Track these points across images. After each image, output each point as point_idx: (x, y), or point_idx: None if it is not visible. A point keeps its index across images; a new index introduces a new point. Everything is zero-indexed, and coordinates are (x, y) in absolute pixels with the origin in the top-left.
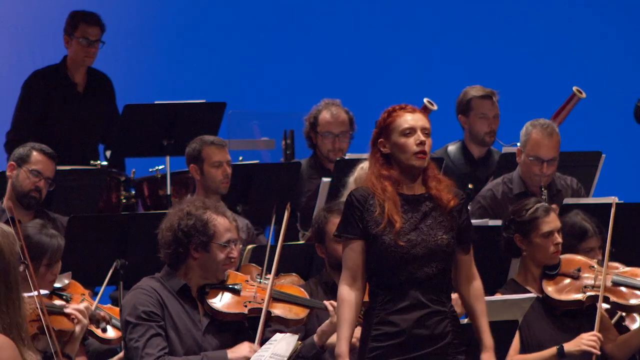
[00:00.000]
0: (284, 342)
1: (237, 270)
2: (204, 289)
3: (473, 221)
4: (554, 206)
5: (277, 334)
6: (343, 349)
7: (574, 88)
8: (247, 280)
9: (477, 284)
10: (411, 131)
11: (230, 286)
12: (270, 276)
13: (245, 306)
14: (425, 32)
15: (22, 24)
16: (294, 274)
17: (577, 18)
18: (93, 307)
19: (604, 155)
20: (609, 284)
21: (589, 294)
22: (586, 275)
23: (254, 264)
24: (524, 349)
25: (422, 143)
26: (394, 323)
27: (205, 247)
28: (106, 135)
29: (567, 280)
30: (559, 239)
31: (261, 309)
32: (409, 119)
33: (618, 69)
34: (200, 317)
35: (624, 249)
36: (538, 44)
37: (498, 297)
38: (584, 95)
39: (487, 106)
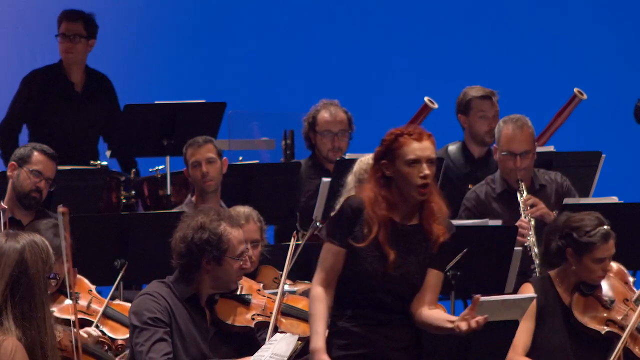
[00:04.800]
0: (284, 342)
1: (256, 271)
2: (214, 297)
3: (470, 221)
4: (531, 200)
5: (277, 334)
6: (319, 344)
7: (575, 89)
8: (259, 290)
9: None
10: (416, 162)
11: (240, 296)
12: (277, 296)
13: (253, 319)
14: (425, 32)
15: (22, 25)
16: (307, 282)
17: (577, 18)
18: (103, 306)
19: (604, 155)
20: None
21: (609, 329)
22: (617, 311)
23: (272, 267)
24: (533, 350)
25: (425, 177)
26: (358, 334)
27: (218, 260)
28: (109, 135)
29: (597, 306)
30: (609, 266)
31: (268, 322)
32: (416, 148)
33: (618, 69)
34: (208, 326)
35: (624, 249)
36: (538, 44)
37: (498, 297)
38: (585, 96)
39: (486, 106)
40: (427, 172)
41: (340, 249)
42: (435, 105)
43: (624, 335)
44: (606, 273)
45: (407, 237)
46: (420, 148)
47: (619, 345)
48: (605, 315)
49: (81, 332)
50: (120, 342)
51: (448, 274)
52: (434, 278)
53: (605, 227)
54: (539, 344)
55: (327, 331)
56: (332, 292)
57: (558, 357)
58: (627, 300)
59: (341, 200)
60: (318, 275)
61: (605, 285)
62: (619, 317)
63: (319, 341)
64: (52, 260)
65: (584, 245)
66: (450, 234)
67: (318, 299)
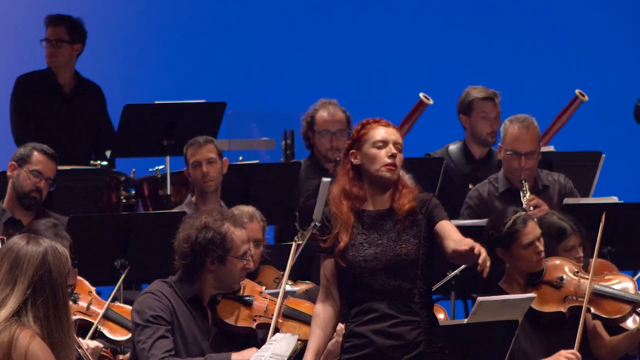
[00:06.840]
0: (284, 342)
1: (257, 271)
2: (216, 298)
3: (467, 222)
4: (535, 201)
5: (277, 334)
6: (307, 358)
7: (577, 91)
8: (261, 292)
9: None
10: (383, 144)
11: (242, 297)
12: (279, 298)
13: (254, 320)
14: (425, 32)
15: (22, 25)
16: (308, 281)
17: (577, 18)
18: (104, 308)
19: (604, 155)
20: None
21: (570, 305)
22: (568, 285)
23: (273, 267)
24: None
25: (393, 156)
26: (361, 335)
27: (222, 260)
28: (97, 144)
29: (550, 290)
30: (541, 247)
31: (269, 324)
32: (382, 132)
33: (618, 69)
34: (209, 326)
35: (624, 249)
36: (539, 45)
37: (498, 297)
38: (586, 98)
39: (489, 107)
40: (394, 151)
41: (327, 258)
42: (431, 101)
43: (585, 300)
44: (541, 256)
45: (380, 220)
46: (386, 132)
47: (582, 311)
48: (559, 293)
49: (83, 342)
50: (121, 358)
51: (447, 273)
52: (444, 226)
53: (519, 212)
54: (514, 352)
55: (325, 343)
56: (333, 302)
57: (536, 356)
58: (578, 272)
59: None
60: (320, 291)
61: (549, 268)
62: (572, 290)
63: (306, 357)
64: (69, 267)
65: (507, 237)
66: (420, 201)
67: (314, 314)
